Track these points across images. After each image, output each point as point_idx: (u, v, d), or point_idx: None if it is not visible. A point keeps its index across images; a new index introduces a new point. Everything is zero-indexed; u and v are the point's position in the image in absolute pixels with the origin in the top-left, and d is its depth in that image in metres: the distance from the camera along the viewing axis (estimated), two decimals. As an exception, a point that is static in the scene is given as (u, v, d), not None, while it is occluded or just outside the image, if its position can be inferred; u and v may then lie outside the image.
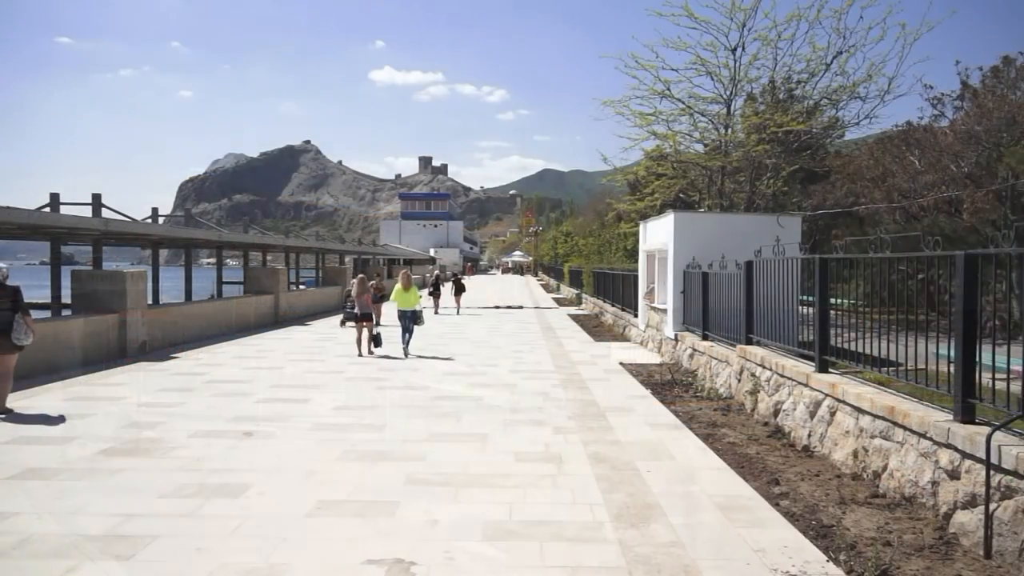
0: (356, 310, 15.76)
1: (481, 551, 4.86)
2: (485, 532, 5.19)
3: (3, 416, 8.94)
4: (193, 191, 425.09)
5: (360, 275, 16.74)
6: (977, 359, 5.38)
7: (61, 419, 8.83)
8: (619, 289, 22.95)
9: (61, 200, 15.95)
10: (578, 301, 34.64)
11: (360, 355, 15.30)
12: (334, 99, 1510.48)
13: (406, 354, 15.45)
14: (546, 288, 57.33)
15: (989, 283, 5.90)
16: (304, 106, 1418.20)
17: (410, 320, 15.88)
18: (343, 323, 21.82)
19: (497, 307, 32.50)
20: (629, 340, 19.09)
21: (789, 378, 8.48)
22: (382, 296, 22.08)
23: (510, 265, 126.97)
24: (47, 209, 15.41)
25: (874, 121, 19.72)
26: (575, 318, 26.91)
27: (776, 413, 8.74)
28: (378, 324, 19.84)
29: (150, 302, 18.41)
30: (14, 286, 9.37)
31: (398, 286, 16.17)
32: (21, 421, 8.66)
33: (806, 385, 7.94)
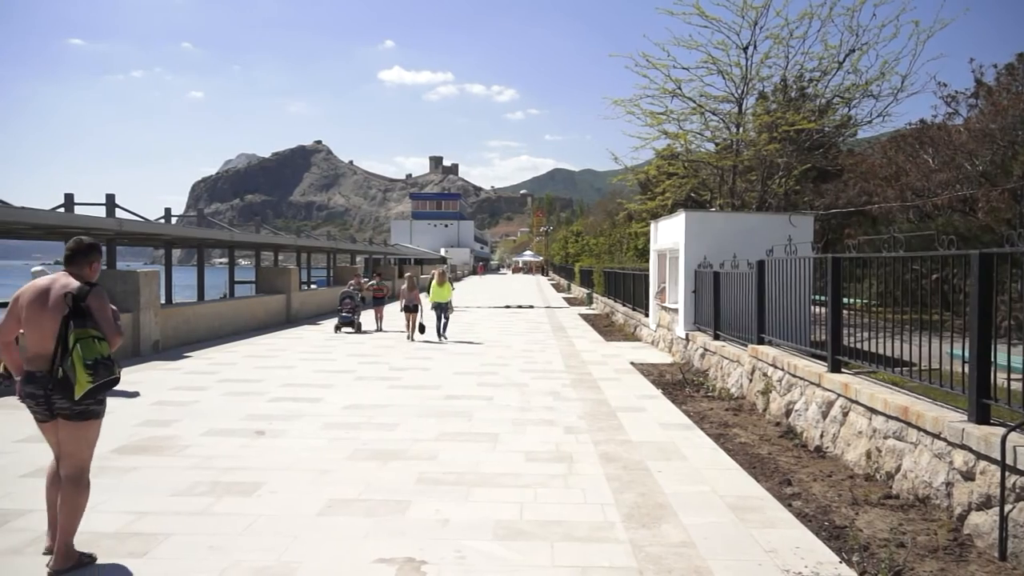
0: (406, 303, 18.86)
1: (492, 551, 4.86)
2: (496, 532, 5.19)
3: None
4: (205, 191, 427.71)
5: (408, 275, 19.98)
6: (992, 359, 5.33)
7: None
8: (630, 289, 22.90)
9: (75, 200, 16.05)
10: (589, 301, 34.59)
11: (411, 339, 18.41)
12: (344, 99, 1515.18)
13: (440, 338, 18.40)
14: (557, 288, 57.28)
15: (1004, 282, 5.85)
16: (314, 106, 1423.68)
17: (443, 310, 18.77)
18: (338, 328, 20.34)
19: (508, 307, 32.48)
20: (640, 340, 19.05)
21: (801, 378, 8.44)
22: (384, 297, 21.61)
23: (521, 265, 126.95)
24: (62, 209, 15.51)
25: (887, 119, 19.46)
26: (586, 318, 26.88)
27: (788, 413, 8.69)
28: (379, 328, 20.55)
29: (163, 302, 18.52)
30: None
31: (434, 282, 19.09)
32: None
33: (818, 385, 7.89)
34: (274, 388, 11.19)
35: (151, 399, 10.19)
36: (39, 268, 10.90)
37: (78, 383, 4.29)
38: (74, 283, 4.47)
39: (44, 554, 4.62)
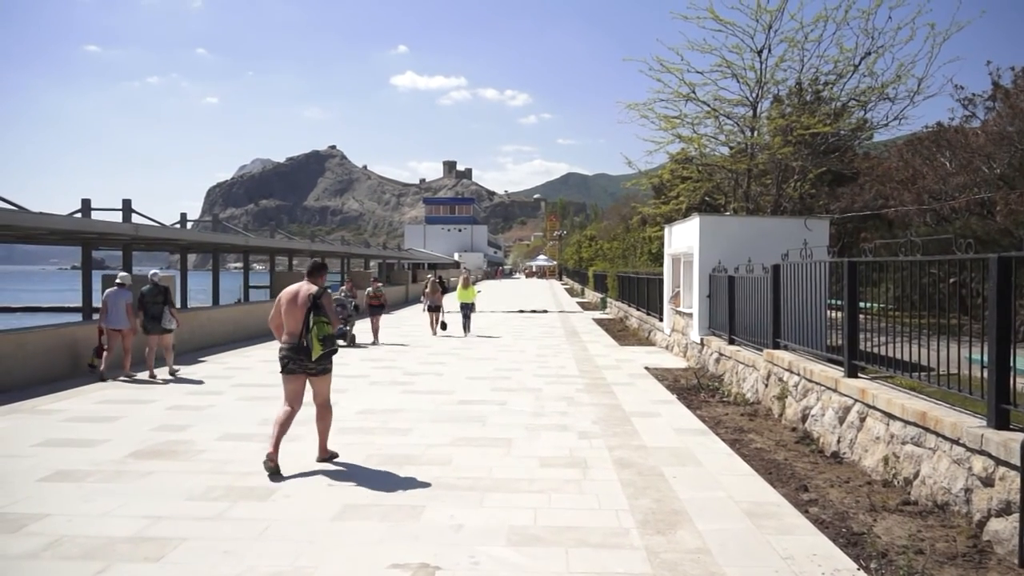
0: (429, 304, 21.43)
1: (506, 556, 4.85)
2: (510, 537, 5.18)
3: (171, 378, 12.46)
4: (221, 196, 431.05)
5: (431, 279, 22.25)
6: (1011, 364, 5.27)
7: (91, 422, 8.97)
8: (644, 293, 22.84)
9: (92, 206, 16.22)
10: (603, 305, 34.53)
11: (434, 335, 20.66)
12: (357, 104, 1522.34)
13: (466, 334, 20.72)
14: (570, 292, 57.22)
15: (1023, 286, 5.79)
16: (328, 111, 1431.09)
17: (469, 309, 21.44)
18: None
19: (521, 311, 32.49)
20: (654, 344, 18.99)
21: (817, 383, 8.38)
22: (382, 305, 19.66)
23: (534, 269, 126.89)
24: (79, 215, 15.68)
25: (904, 122, 19.35)
26: (600, 322, 26.83)
27: (804, 418, 8.63)
28: (376, 342, 18.50)
29: (178, 306, 18.63)
30: (165, 286, 12.81)
31: (459, 286, 22.01)
32: (52, 424, 8.81)
33: (835, 390, 7.84)
34: (288, 393, 11.22)
35: (167, 403, 10.25)
36: (124, 274, 12.90)
37: (314, 350, 6.90)
38: (314, 288, 7.07)
39: (264, 462, 6.82)
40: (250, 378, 12.70)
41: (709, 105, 19.90)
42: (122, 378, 12.33)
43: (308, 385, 7.26)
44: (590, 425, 9.00)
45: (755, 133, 19.98)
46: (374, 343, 18.54)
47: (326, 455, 7.33)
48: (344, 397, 10.87)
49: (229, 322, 18.95)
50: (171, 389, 11.46)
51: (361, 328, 20.47)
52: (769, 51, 18.99)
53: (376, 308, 19.41)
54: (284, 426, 7.02)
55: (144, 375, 12.49)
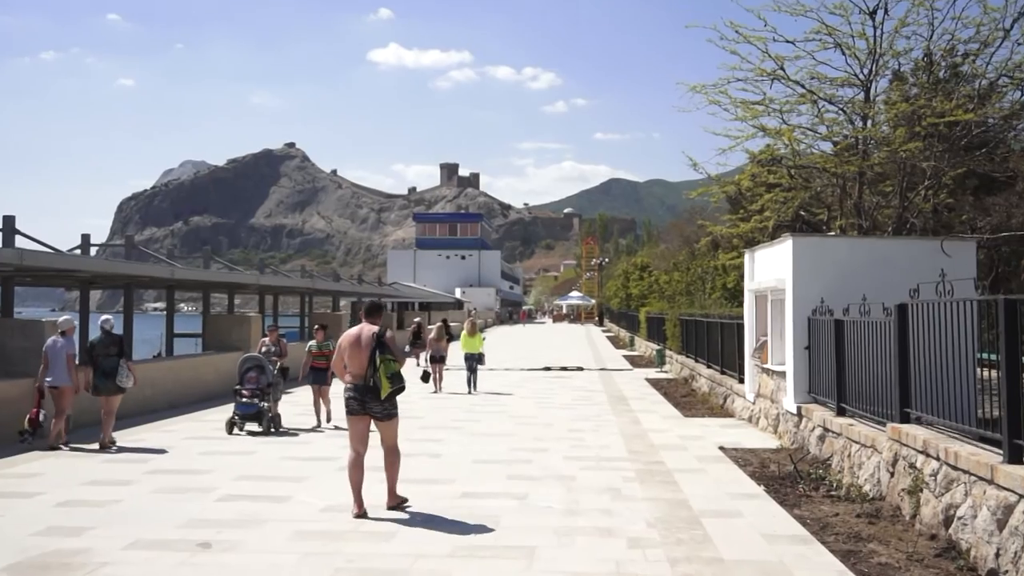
0: (432, 353, 24.38)
1: None
2: None
3: (113, 449, 13.59)
4: (138, 211, 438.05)
5: (439, 324, 25.91)
6: None
7: (-47, 522, 8.95)
8: (717, 344, 22.76)
9: (-38, 225, 16.41)
10: (659, 361, 34.48)
11: (437, 392, 23.28)
12: (324, 88, 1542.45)
13: (471, 391, 23.42)
14: (615, 342, 57.28)
15: None
16: (284, 97, 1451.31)
17: (475, 361, 23.94)
18: (232, 425, 15.68)
19: (548, 368, 32.52)
20: (732, 415, 18.90)
21: (965, 471, 8.25)
22: (328, 369, 15.90)
23: (565, 311, 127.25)
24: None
25: (1079, 107, 19.27)
26: (656, 384, 26.86)
27: (948, 521, 8.49)
28: (320, 423, 16.55)
29: (78, 362, 18.68)
30: (119, 335, 14.06)
31: (464, 332, 24.78)
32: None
33: (991, 482, 7.70)
34: (225, 482, 11.21)
35: (56, 497, 10.24)
36: (65, 318, 14.53)
37: (383, 388, 9.19)
38: (375, 328, 9.46)
39: (354, 517, 9.18)
40: (172, 462, 12.68)
41: (804, 86, 19.99)
42: (61, 446, 13.52)
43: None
44: (644, 528, 8.94)
45: (869, 123, 19.98)
46: (316, 427, 16.44)
47: (396, 501, 9.58)
48: (302, 488, 10.84)
49: (145, 384, 18.88)
50: (62, 477, 11.44)
51: (300, 401, 18.89)
52: (886, 12, 19.07)
53: (320, 373, 16.69)
54: (355, 473, 9.35)
55: (94, 445, 13.66)
